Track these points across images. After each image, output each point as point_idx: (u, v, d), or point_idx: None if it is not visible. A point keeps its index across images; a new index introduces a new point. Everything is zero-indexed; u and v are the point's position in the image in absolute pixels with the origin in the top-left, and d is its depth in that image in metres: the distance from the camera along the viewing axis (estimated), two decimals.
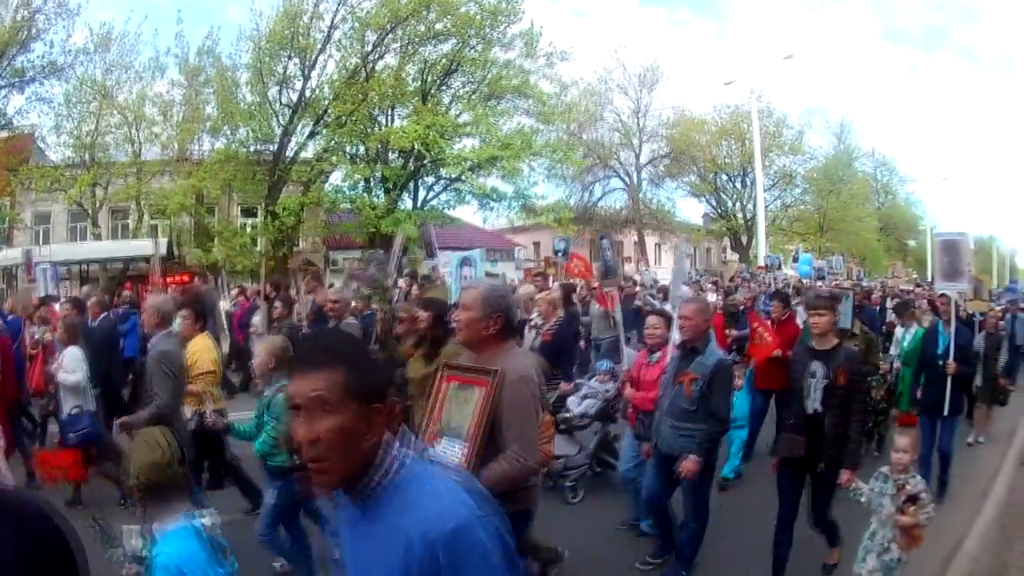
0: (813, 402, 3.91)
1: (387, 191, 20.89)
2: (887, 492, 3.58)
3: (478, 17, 21.57)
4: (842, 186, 27.19)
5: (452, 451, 2.53)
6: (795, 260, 15.69)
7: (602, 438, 5.95)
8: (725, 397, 4.18)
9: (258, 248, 20.90)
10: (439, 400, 2.72)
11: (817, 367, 3.94)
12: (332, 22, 21.45)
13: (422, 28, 21.54)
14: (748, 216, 25.59)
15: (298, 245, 21.68)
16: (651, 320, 5.19)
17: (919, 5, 62.76)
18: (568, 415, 5.74)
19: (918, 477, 3.67)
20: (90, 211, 22.89)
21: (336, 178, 22.13)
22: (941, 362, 5.77)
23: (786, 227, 26.09)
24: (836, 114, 60.91)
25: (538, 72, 21.96)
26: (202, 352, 4.91)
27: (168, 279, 18.50)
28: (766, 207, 22.78)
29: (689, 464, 3.98)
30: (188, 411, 4.65)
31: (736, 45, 59.31)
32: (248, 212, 22.43)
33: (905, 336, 7.59)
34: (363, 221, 20.43)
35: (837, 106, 72.88)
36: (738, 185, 26.54)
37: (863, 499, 3.70)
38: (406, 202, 21.58)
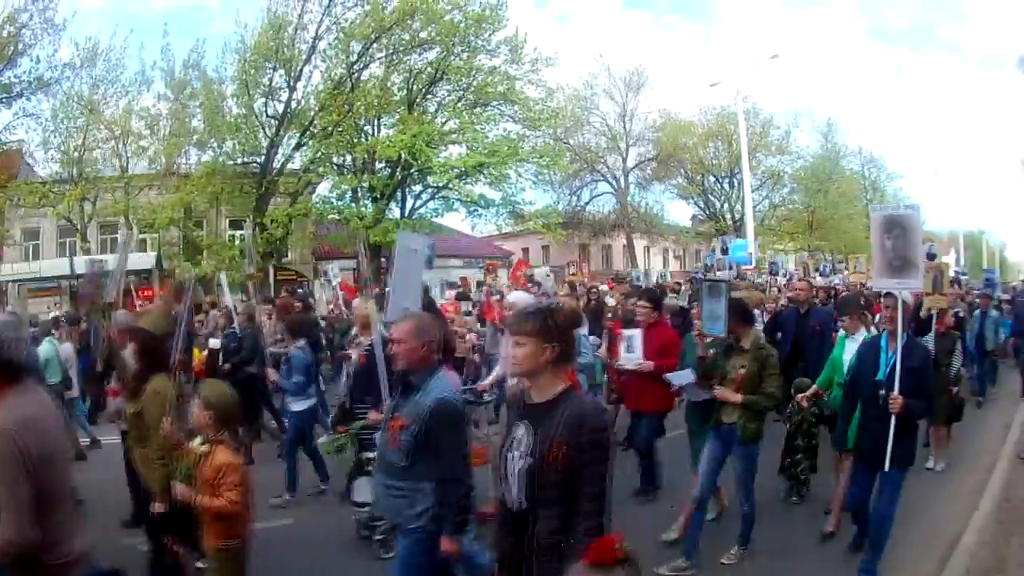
0: (514, 492, 2.32)
1: (375, 200, 20.93)
2: None
3: (463, 25, 21.61)
4: (830, 184, 27.28)
5: None
6: (723, 251, 14.10)
7: None
8: (453, 449, 3.03)
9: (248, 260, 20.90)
10: None
11: (520, 434, 2.34)
12: (317, 33, 21.48)
13: (407, 37, 21.59)
14: (737, 217, 25.66)
15: (287, 256, 21.69)
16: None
17: (905, 3, 63.00)
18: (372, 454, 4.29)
19: None
20: (79, 226, 22.87)
21: (324, 189, 22.28)
22: (883, 392, 4.07)
23: (775, 227, 26.15)
24: (823, 113, 61.14)
25: (524, 78, 22.05)
26: None
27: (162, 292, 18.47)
28: (754, 207, 22.85)
29: (447, 546, 2.96)
30: None
31: (722, 47, 59.64)
32: (236, 225, 22.42)
33: (848, 346, 5.44)
34: (351, 231, 20.43)
35: (824, 105, 73.28)
36: (726, 186, 26.63)
37: None
38: (394, 211, 21.58)
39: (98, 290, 7.91)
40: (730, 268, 13.64)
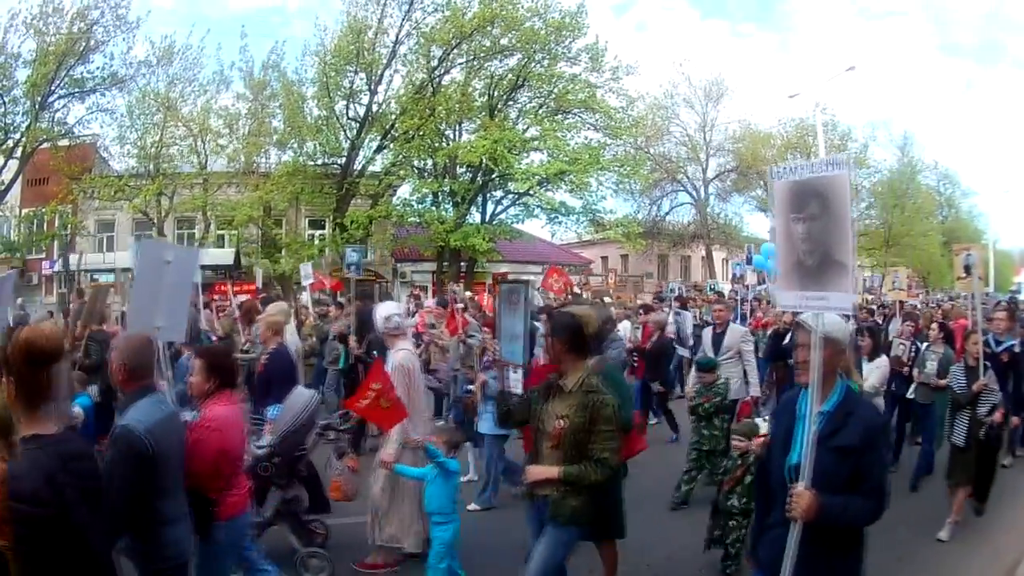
0: None
1: (456, 205, 20.96)
2: None
3: (543, 32, 21.58)
4: (906, 200, 26.85)
5: None
6: (748, 260, 12.96)
7: (278, 505, 4.52)
8: (113, 486, 2.46)
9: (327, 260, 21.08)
10: None
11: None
12: (397, 37, 21.59)
13: (487, 43, 21.61)
14: None
15: (366, 257, 21.79)
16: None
17: (974, 18, 61.95)
18: None
19: None
20: (155, 220, 23.19)
21: (404, 191, 22.39)
22: (788, 480, 2.51)
23: None
24: (899, 126, 60.31)
25: (604, 86, 21.94)
26: None
27: (235, 289, 18.67)
28: None
29: None
30: None
31: (799, 57, 58.94)
32: (316, 224, 22.60)
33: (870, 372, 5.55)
34: (432, 235, 20.49)
35: (900, 118, 71.87)
36: None
37: None
38: (475, 216, 21.60)
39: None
40: (760, 280, 12.70)
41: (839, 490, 2.43)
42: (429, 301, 12.85)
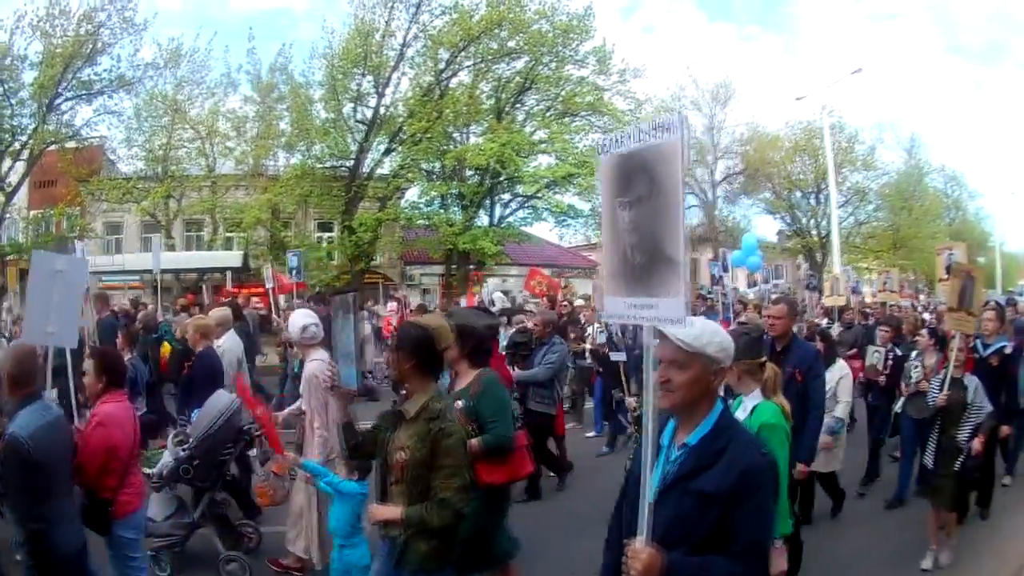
0: None
1: (464, 208, 20.99)
2: None
3: (550, 35, 21.58)
4: (914, 202, 26.82)
5: None
6: (724, 268, 12.10)
7: (205, 508, 4.64)
8: (13, 488, 2.97)
9: (334, 262, 21.16)
10: None
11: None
12: (404, 40, 21.59)
13: (494, 46, 21.62)
14: (823, 233, 25.34)
15: (375, 259, 21.86)
16: None
17: (980, 19, 61.84)
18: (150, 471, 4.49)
19: None
20: (164, 222, 23.26)
21: (413, 194, 22.37)
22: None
23: (859, 244, 25.72)
24: (906, 128, 60.21)
25: (612, 89, 21.93)
26: None
27: (245, 290, 18.71)
28: (840, 224, 22.53)
29: None
30: None
31: (805, 59, 58.91)
32: (325, 227, 22.64)
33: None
34: (440, 237, 20.54)
35: (907, 120, 71.69)
36: (812, 202, 26.30)
37: None
38: (483, 219, 21.65)
39: None
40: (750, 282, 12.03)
41: (698, 548, 1.84)
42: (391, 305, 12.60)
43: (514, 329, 7.69)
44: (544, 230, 24.65)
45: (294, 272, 12.45)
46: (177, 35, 26.77)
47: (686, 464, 1.93)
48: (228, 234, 23.08)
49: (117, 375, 3.45)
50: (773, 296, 10.47)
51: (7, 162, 22.86)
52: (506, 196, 22.08)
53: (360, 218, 20.39)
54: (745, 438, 2.02)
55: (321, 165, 21.37)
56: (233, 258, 21.61)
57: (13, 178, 22.87)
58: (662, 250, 1.82)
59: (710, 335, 1.97)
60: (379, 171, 21.44)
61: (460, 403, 3.45)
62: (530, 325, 7.15)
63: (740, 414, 3.03)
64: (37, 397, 3.08)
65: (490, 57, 21.65)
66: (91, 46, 22.50)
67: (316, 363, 4.47)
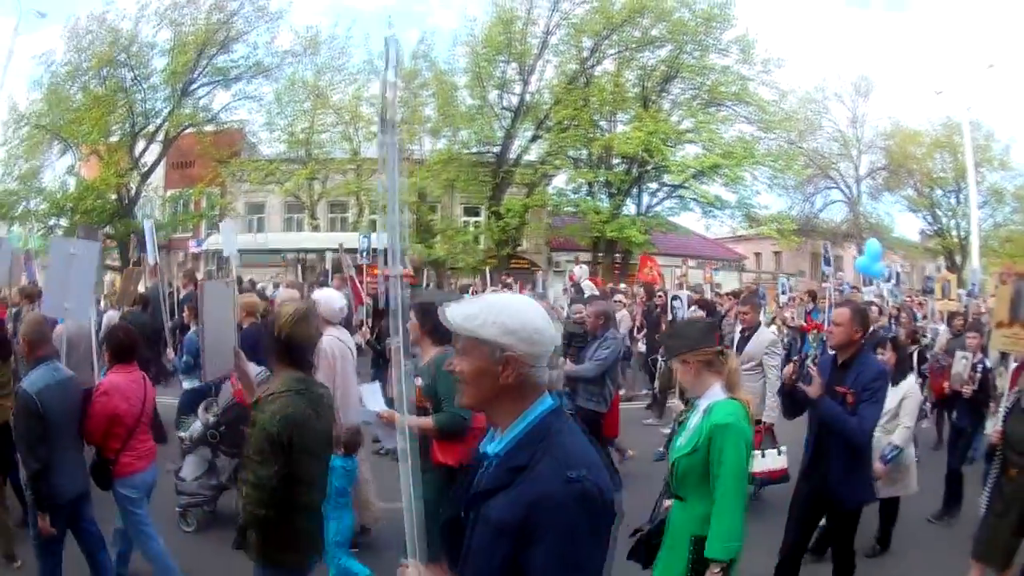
0: None
1: (611, 196, 21.43)
2: None
3: (692, 23, 21.68)
4: None
5: None
6: (826, 262, 11.65)
7: (231, 472, 4.91)
8: (17, 435, 3.65)
9: (480, 247, 21.90)
10: None
11: None
12: (547, 28, 22.04)
13: (637, 34, 21.87)
14: (962, 234, 24.76)
15: (521, 245, 22.51)
16: None
17: None
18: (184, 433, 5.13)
19: None
20: (308, 203, 24.31)
21: (560, 181, 22.87)
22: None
23: (997, 248, 24.93)
24: None
25: (756, 78, 21.92)
26: None
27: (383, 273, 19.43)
28: (979, 225, 21.98)
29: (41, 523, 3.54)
30: None
31: (943, 53, 55.63)
32: (471, 211, 23.40)
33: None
34: (588, 225, 21.03)
35: None
36: (952, 201, 25.66)
37: None
38: (630, 207, 22.05)
39: None
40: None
41: None
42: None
43: (571, 319, 6.95)
44: (691, 220, 24.75)
45: (362, 255, 11.71)
46: (315, 23, 27.60)
47: (484, 480, 1.52)
48: (372, 216, 24.00)
49: (122, 351, 3.75)
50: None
51: (142, 143, 24.30)
52: (653, 185, 22.39)
53: (507, 203, 21.04)
54: (556, 456, 1.43)
55: (467, 151, 22.04)
56: (377, 241, 22.45)
57: (148, 158, 24.15)
58: None
59: (490, 313, 1.49)
60: (526, 158, 22.02)
61: (419, 381, 3.37)
62: (586, 316, 6.28)
63: (694, 418, 2.68)
64: (49, 359, 3.54)
65: (633, 45, 21.92)
66: (225, 34, 23.57)
67: (327, 339, 4.51)
